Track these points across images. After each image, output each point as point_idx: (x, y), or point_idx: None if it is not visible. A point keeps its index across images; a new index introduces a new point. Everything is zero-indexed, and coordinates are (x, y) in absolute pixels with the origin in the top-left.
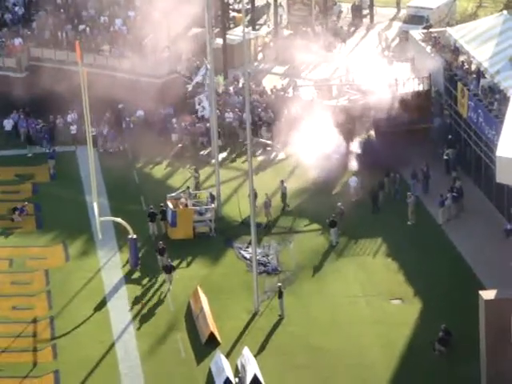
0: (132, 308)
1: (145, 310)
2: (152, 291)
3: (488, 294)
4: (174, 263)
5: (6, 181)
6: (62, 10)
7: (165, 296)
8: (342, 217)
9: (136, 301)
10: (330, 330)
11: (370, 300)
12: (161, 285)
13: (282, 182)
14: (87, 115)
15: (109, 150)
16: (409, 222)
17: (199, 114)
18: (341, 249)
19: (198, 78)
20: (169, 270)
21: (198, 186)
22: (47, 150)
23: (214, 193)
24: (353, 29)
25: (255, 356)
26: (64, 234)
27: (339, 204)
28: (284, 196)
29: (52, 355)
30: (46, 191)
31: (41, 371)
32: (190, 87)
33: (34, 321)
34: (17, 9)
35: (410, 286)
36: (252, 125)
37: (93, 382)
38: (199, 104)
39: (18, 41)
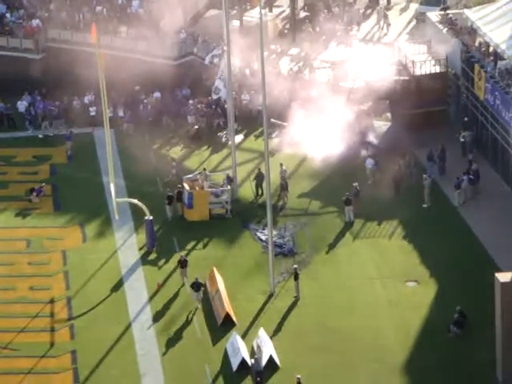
0: (148, 289)
1: (161, 292)
2: (168, 272)
3: (504, 276)
4: (190, 245)
5: (24, 162)
6: None
7: (181, 278)
8: (358, 198)
9: (152, 282)
10: (345, 312)
11: (386, 282)
12: (177, 266)
13: (281, 165)
14: (104, 97)
15: (125, 131)
16: (424, 205)
17: (213, 96)
18: (357, 231)
19: (213, 55)
20: (198, 287)
21: (178, 176)
22: (31, 133)
23: (231, 175)
24: (369, 11)
25: (271, 337)
26: (81, 215)
27: (355, 185)
28: (283, 180)
29: (69, 335)
30: (63, 172)
31: (58, 351)
32: (206, 61)
33: (52, 301)
34: None
35: (425, 268)
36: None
37: (109, 362)
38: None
39: (35, 22)
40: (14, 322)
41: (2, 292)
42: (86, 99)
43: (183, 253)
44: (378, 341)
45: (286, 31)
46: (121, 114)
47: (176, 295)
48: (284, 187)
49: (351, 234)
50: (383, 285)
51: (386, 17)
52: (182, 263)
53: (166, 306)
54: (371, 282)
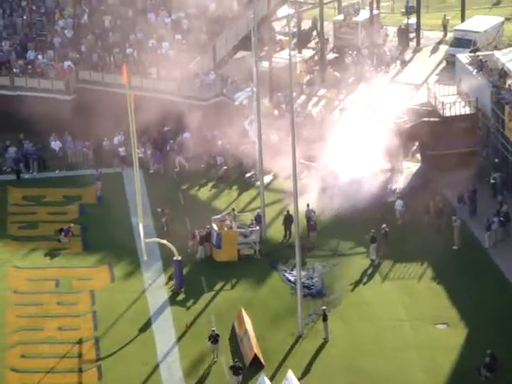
0: (176, 330)
1: (189, 332)
2: (196, 313)
3: None
4: (219, 285)
5: (54, 202)
6: (110, 34)
7: (209, 318)
8: (386, 239)
9: (180, 322)
10: (374, 354)
11: (415, 324)
12: (205, 307)
13: (308, 205)
14: (134, 137)
15: (154, 171)
16: (454, 247)
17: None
18: (385, 272)
19: (242, 98)
20: (237, 371)
21: (168, 226)
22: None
23: (259, 215)
24: (398, 52)
25: (299, 379)
26: (109, 255)
27: (384, 226)
28: (308, 221)
29: (97, 376)
30: (92, 212)
31: None
32: (236, 102)
33: (80, 341)
34: (66, 32)
35: (455, 310)
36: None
37: None
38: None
39: (66, 64)
40: (43, 363)
41: (31, 332)
42: (116, 139)
43: (211, 293)
44: None
45: (313, 73)
46: (150, 154)
47: (204, 336)
48: (312, 228)
49: (380, 275)
50: (412, 327)
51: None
52: (214, 338)
53: (194, 347)
54: (400, 323)
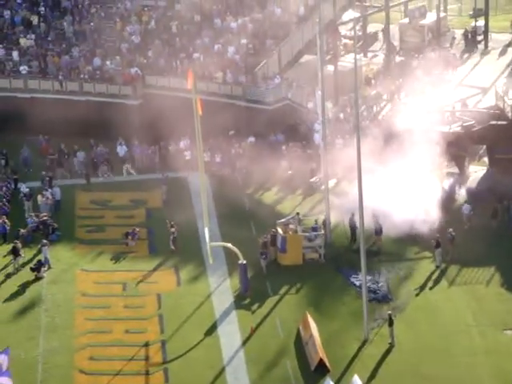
0: (242, 333)
1: (254, 336)
2: (261, 317)
3: None
4: (283, 289)
5: (121, 206)
6: (177, 39)
7: (274, 322)
8: (453, 243)
9: (245, 326)
10: (441, 359)
11: (483, 330)
12: (270, 311)
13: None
14: (199, 141)
15: (219, 175)
16: None
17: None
18: (452, 276)
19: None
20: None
21: (174, 241)
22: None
23: (324, 219)
24: (466, 55)
25: None
26: (175, 259)
27: (450, 230)
28: (377, 224)
29: (163, 379)
30: (158, 216)
31: None
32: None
33: (146, 344)
34: (133, 38)
35: None
36: None
37: None
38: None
39: (133, 70)
40: (111, 365)
41: (99, 335)
42: (182, 144)
43: (276, 297)
44: None
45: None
46: (215, 158)
47: (269, 340)
48: (378, 232)
49: (447, 279)
50: (480, 333)
51: None
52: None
53: (260, 351)
54: (468, 329)
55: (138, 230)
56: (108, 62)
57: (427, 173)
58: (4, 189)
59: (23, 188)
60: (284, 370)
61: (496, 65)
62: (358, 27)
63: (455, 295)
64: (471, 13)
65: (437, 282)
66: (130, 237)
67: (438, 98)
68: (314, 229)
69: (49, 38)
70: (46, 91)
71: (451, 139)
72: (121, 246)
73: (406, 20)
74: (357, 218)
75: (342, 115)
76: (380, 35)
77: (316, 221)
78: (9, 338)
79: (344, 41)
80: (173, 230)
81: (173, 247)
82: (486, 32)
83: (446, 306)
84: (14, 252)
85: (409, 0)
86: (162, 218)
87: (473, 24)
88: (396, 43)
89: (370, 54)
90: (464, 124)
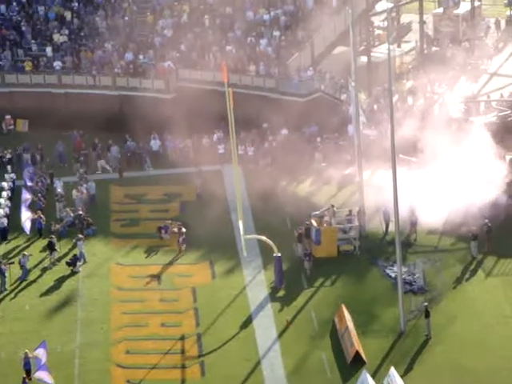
0: (277, 326)
1: (290, 329)
2: (296, 310)
3: None
4: (318, 282)
5: (155, 200)
6: (209, 32)
7: (309, 315)
8: (490, 234)
9: (281, 319)
10: (479, 352)
11: None
12: (305, 303)
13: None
14: (233, 134)
15: (253, 168)
16: None
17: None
18: (489, 268)
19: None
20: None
21: (183, 242)
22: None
23: (359, 211)
24: (501, 44)
25: (402, 376)
26: (210, 252)
27: (486, 221)
28: (413, 215)
29: (200, 372)
30: (192, 210)
31: None
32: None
33: (182, 338)
34: (166, 31)
35: None
36: None
37: None
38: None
39: (166, 63)
40: (147, 359)
41: (135, 328)
42: (215, 137)
43: (311, 289)
44: None
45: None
46: (249, 151)
47: (305, 333)
48: (413, 223)
49: (483, 271)
50: None
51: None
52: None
53: (295, 344)
54: (506, 320)
55: (170, 222)
56: (141, 56)
57: (466, 162)
58: (39, 184)
59: (59, 187)
60: (319, 362)
61: None
62: (391, 18)
63: (492, 286)
64: (506, 1)
65: (473, 273)
66: (163, 230)
67: (471, 88)
68: (349, 220)
69: (82, 34)
70: (80, 86)
71: (487, 129)
72: (155, 240)
73: (440, 10)
74: (391, 210)
75: (375, 106)
76: (414, 25)
77: (350, 211)
78: (46, 332)
79: (377, 31)
80: (182, 230)
81: (182, 248)
82: None
83: (482, 297)
84: (50, 246)
85: None
86: (195, 212)
87: (508, 13)
88: (430, 33)
89: (403, 46)
90: (500, 114)
